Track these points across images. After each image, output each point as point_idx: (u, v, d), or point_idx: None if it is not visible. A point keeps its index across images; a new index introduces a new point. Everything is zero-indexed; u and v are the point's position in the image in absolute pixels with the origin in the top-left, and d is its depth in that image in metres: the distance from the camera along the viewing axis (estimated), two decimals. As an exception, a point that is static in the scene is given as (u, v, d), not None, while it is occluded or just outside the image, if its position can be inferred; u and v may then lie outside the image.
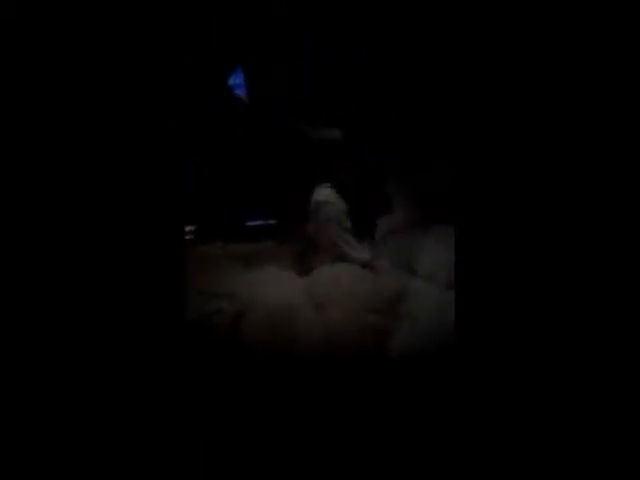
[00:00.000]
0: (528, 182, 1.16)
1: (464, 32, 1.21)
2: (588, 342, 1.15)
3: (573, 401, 1.16)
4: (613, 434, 1.15)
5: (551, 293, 1.16)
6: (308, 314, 2.27)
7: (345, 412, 1.74)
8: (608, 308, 1.13)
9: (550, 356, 1.17)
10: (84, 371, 1.21)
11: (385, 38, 3.28)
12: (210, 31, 3.32)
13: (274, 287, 2.41)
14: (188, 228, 3.26)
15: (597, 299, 1.13)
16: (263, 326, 2.15)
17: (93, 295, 1.21)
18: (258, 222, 4.49)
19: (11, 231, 1.17)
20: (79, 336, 1.22)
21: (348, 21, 3.49)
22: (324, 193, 2.86)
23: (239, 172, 3.65)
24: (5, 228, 1.17)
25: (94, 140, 1.20)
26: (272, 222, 4.47)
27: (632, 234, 1.10)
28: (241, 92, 4.26)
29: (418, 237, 2.70)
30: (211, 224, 3.73)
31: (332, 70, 3.60)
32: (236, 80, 4.26)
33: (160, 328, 1.26)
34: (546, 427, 1.18)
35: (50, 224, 1.19)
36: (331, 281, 2.47)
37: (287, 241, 3.03)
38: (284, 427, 1.69)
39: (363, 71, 3.38)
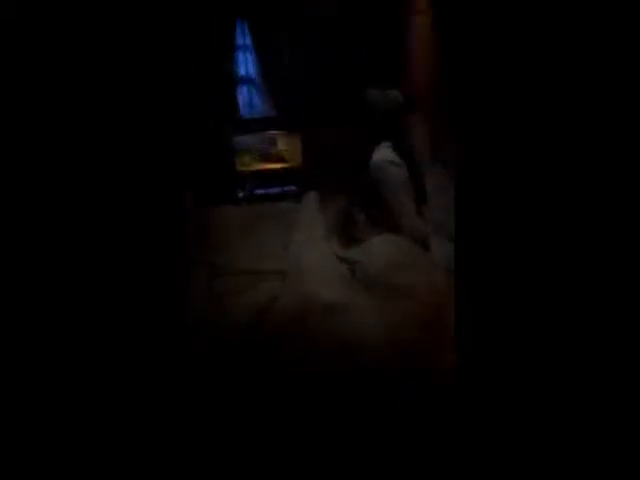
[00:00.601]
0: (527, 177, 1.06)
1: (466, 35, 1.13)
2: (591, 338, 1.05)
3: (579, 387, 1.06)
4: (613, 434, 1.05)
5: (554, 288, 1.07)
6: (366, 316, 1.86)
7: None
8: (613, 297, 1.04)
9: (553, 352, 1.08)
10: (81, 369, 1.19)
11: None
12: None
13: (324, 271, 2.05)
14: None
15: (602, 301, 1.04)
16: (321, 329, 1.92)
17: (90, 290, 1.19)
18: (273, 190, 4.36)
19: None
20: (75, 333, 1.19)
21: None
22: (388, 153, 2.30)
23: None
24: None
25: (95, 140, 1.18)
26: (292, 189, 4.32)
27: (633, 215, 1.02)
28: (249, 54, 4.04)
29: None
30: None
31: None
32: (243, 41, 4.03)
33: (157, 324, 1.26)
34: (552, 410, 1.08)
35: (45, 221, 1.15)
36: (385, 264, 2.03)
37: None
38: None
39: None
